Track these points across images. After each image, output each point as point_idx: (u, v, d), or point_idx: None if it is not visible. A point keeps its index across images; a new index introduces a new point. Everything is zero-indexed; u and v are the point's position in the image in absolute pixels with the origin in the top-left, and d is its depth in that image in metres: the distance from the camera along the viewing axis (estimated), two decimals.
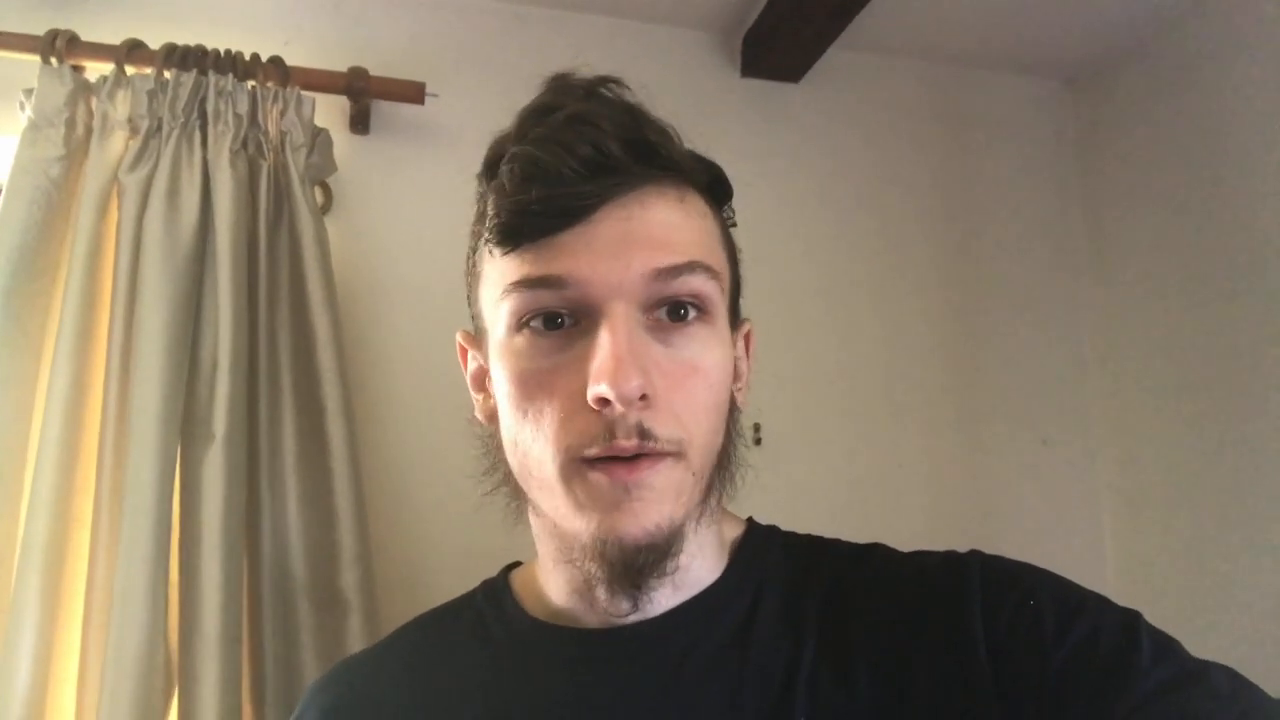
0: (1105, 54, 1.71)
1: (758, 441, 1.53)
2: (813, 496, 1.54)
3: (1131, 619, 0.55)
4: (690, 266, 0.56)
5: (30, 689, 1.05)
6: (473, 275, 0.65)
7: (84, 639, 1.10)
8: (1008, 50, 1.72)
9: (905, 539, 1.54)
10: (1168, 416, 1.56)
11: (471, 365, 0.68)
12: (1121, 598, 1.75)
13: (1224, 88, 1.49)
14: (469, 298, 0.66)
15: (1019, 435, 1.67)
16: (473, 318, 0.66)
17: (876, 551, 0.67)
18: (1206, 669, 0.52)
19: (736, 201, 0.67)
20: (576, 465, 0.55)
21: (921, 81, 1.75)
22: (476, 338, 0.66)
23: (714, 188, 0.64)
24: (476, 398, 0.68)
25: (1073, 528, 1.67)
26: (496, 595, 0.70)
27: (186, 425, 1.16)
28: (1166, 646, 0.54)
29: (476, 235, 0.63)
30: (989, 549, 1.56)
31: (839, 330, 1.63)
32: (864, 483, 1.58)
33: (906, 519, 1.57)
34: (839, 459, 1.58)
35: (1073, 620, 0.55)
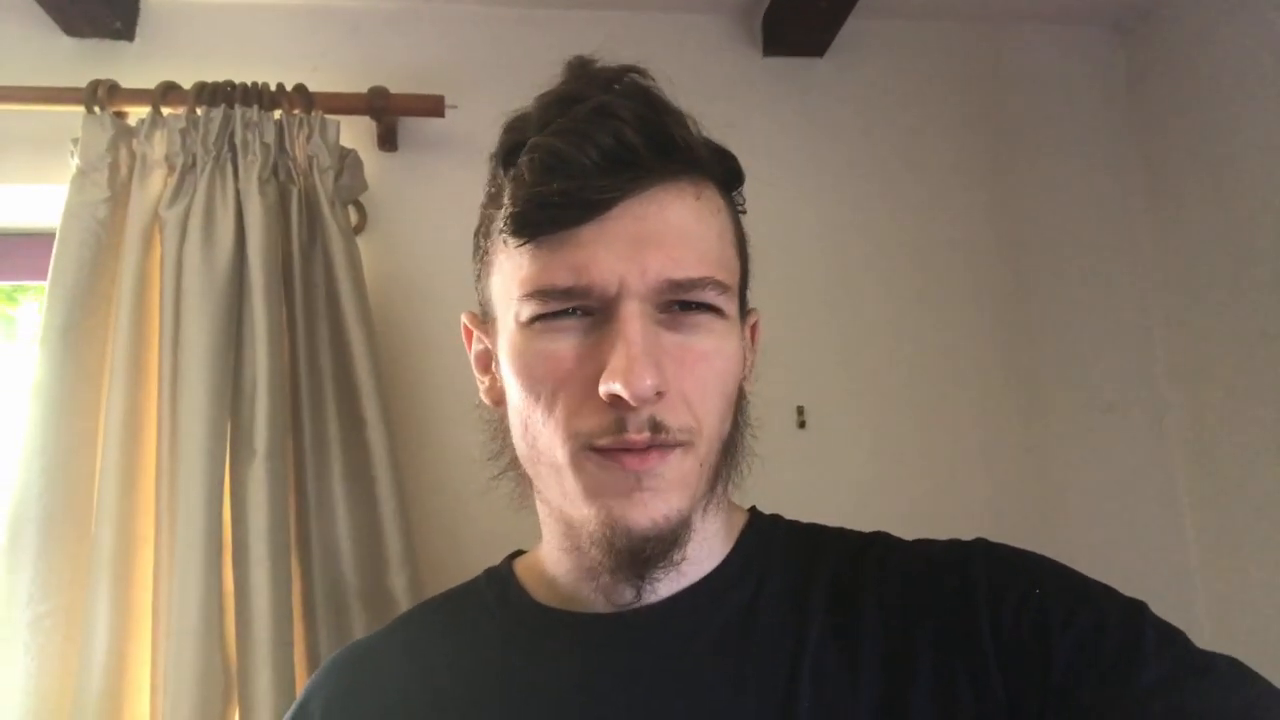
0: None
1: (802, 424, 1.52)
2: (861, 476, 1.51)
3: (1137, 609, 0.55)
4: (703, 283, 0.57)
5: (103, 698, 1.13)
6: (483, 261, 0.65)
7: (154, 651, 1.17)
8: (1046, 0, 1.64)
9: (960, 518, 1.51)
10: (1244, 373, 1.47)
11: (477, 347, 0.70)
12: (1203, 578, 1.69)
13: (1277, 21, 1.39)
14: (477, 280, 0.67)
15: (1079, 402, 1.59)
16: (480, 301, 0.67)
17: (880, 540, 0.67)
18: (1211, 659, 0.52)
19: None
20: (586, 453, 0.56)
21: (952, 42, 1.68)
22: (483, 320, 0.67)
23: (728, 177, 0.64)
24: (481, 380, 0.69)
25: (1144, 502, 1.58)
26: (501, 581, 0.71)
27: (233, 444, 1.22)
28: (1171, 637, 0.53)
29: (487, 219, 0.64)
30: (1051, 529, 1.52)
31: (884, 304, 1.59)
32: (915, 459, 1.53)
33: (961, 497, 1.52)
34: (888, 437, 1.54)
35: (1078, 610, 0.54)
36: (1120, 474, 1.58)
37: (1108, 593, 0.56)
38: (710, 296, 0.58)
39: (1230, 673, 0.51)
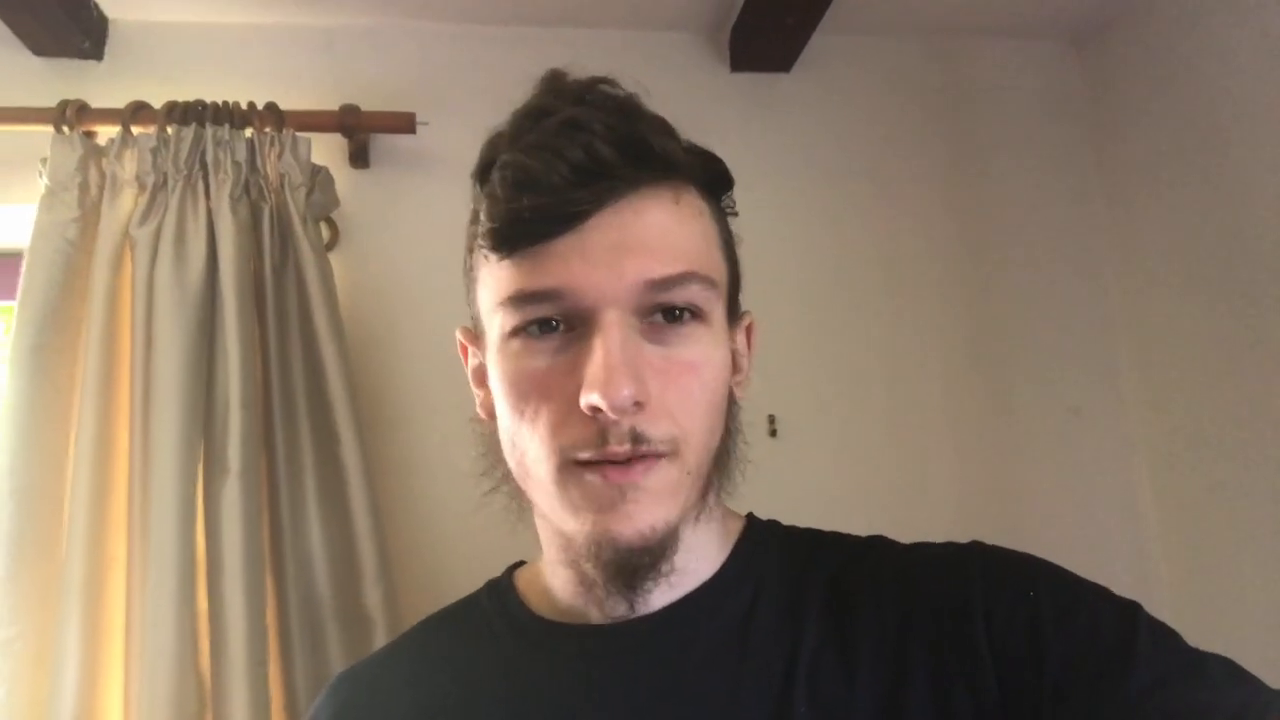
0: (1109, 9, 1.65)
1: (773, 433, 1.53)
2: (832, 482, 1.53)
3: (1130, 610, 0.55)
4: (685, 278, 0.57)
5: None
6: (470, 277, 0.66)
7: (126, 673, 1.16)
8: (1006, 14, 1.68)
9: (929, 524, 1.52)
10: (1203, 376, 1.50)
11: (472, 361, 0.69)
12: (1168, 579, 1.70)
13: (1230, 35, 1.43)
14: (467, 297, 0.67)
15: (1047, 406, 1.62)
16: (472, 317, 0.67)
17: (876, 544, 0.67)
18: (1204, 660, 0.52)
19: (739, 195, 0.67)
20: (570, 467, 0.56)
21: (916, 56, 1.72)
22: (476, 335, 0.67)
23: (712, 181, 0.64)
24: (478, 393, 0.69)
25: (1109, 504, 1.61)
26: (501, 595, 0.71)
27: (206, 462, 1.22)
28: (1165, 638, 0.53)
29: (472, 237, 0.64)
30: (1019, 531, 1.54)
31: (854, 313, 1.61)
32: (885, 466, 1.55)
33: (930, 503, 1.55)
34: (858, 444, 1.56)
35: (1072, 611, 0.55)
36: (1086, 476, 1.61)
37: (1102, 593, 0.57)
38: (694, 294, 0.57)
39: (1223, 673, 0.51)
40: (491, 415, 0.65)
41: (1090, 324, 1.67)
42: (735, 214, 0.67)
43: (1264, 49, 1.38)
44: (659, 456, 0.56)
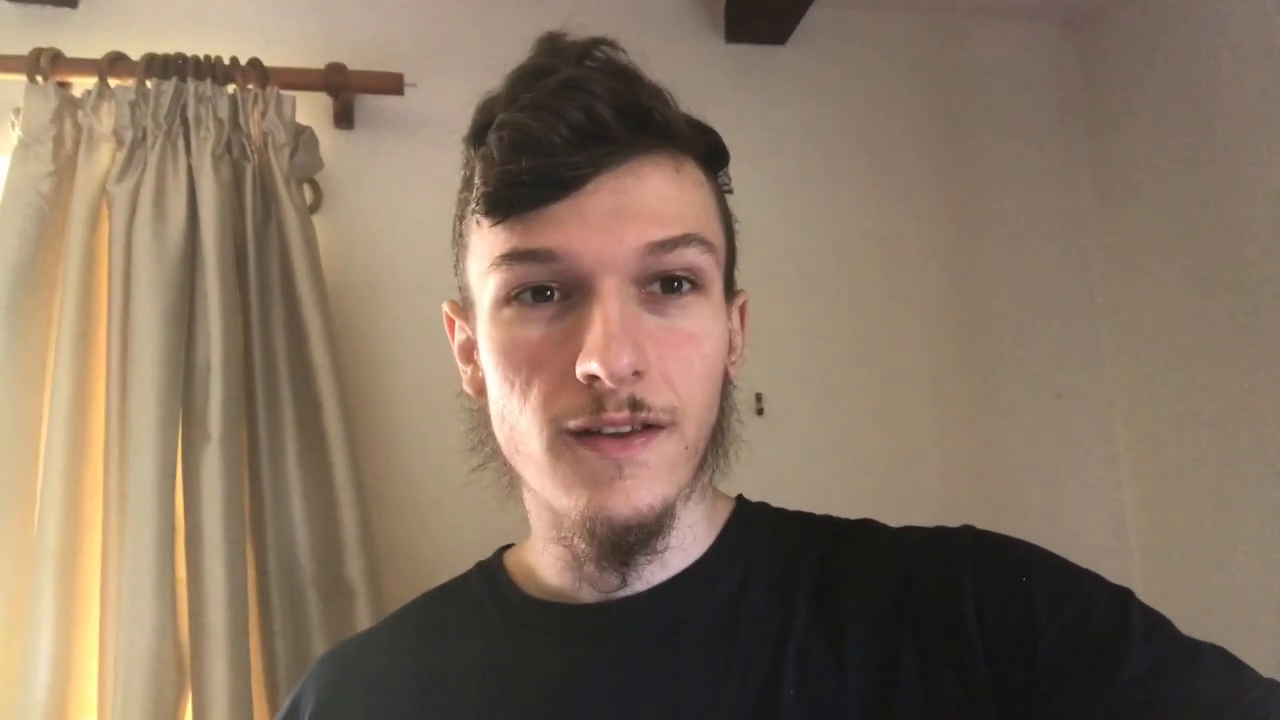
0: None
1: (760, 411, 1.53)
2: (817, 463, 1.53)
3: (1123, 597, 0.55)
4: (685, 240, 0.55)
5: (50, 689, 1.09)
6: (460, 245, 0.64)
7: (102, 638, 1.14)
8: None
9: (914, 507, 1.53)
10: (1188, 362, 1.51)
11: (459, 336, 0.68)
12: (1147, 563, 1.71)
13: (1224, 21, 1.43)
14: (456, 268, 0.65)
15: (1031, 391, 1.63)
16: (460, 288, 0.65)
17: (866, 527, 0.66)
18: (1197, 648, 0.52)
19: (730, 169, 0.66)
20: (564, 438, 0.55)
21: (911, 33, 1.70)
22: (464, 308, 0.66)
23: (710, 155, 0.63)
24: (464, 369, 0.67)
25: (1091, 488, 1.62)
26: (491, 575, 0.70)
27: (185, 427, 1.19)
28: (1158, 625, 0.53)
29: (463, 203, 0.62)
30: (1002, 516, 1.55)
31: (842, 292, 1.61)
32: (870, 448, 1.56)
33: (915, 486, 1.55)
34: (844, 425, 1.56)
35: (1064, 598, 0.54)
36: (1068, 459, 1.62)
37: (1095, 581, 0.56)
38: (694, 257, 0.56)
39: (1216, 661, 0.51)
40: (479, 391, 0.64)
41: (1075, 308, 1.68)
42: (730, 191, 0.66)
43: (1257, 35, 1.38)
44: (659, 428, 0.55)
